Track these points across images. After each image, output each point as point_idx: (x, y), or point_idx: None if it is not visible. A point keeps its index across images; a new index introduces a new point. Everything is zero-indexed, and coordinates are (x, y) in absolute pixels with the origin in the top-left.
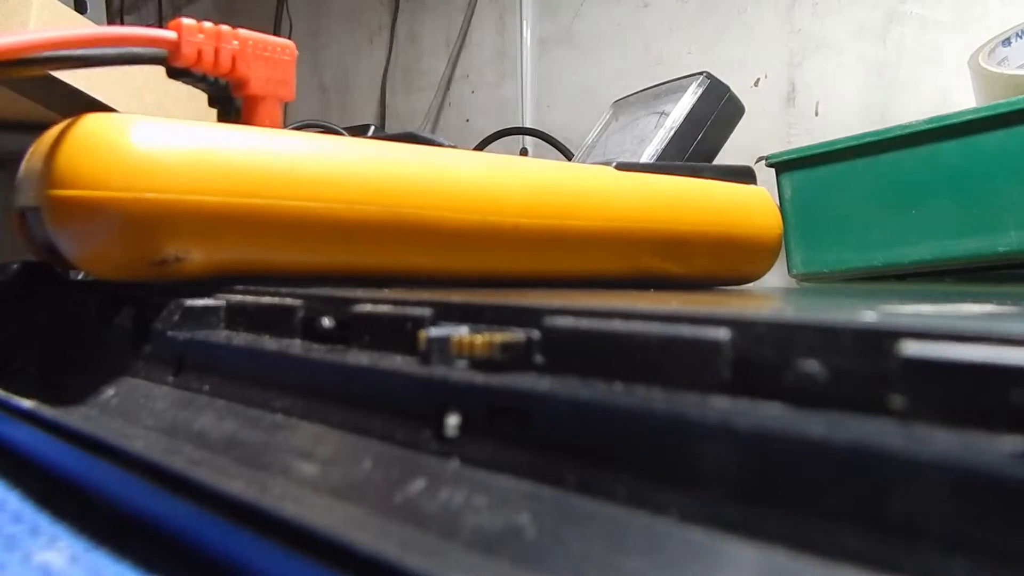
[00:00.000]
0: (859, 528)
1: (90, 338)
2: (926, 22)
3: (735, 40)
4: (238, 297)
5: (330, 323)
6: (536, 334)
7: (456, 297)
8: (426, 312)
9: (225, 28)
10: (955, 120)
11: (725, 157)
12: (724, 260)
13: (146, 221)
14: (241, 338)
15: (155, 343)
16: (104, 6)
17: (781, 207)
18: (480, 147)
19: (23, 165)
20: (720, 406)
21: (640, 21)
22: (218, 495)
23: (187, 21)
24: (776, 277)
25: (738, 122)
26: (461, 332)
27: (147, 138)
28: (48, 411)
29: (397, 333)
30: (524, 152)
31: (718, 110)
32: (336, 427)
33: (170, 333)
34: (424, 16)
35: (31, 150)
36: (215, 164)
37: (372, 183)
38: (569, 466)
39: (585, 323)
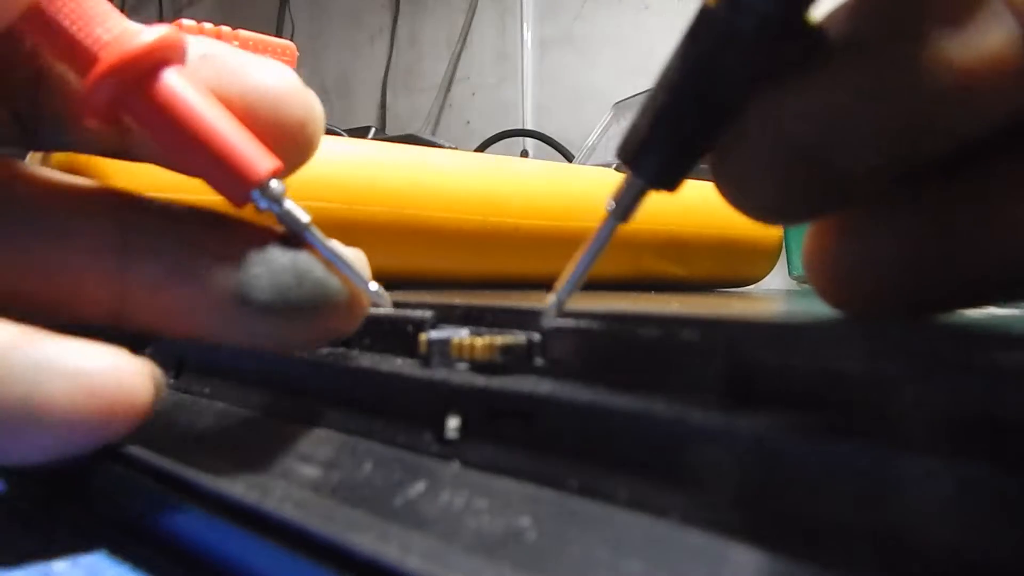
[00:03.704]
0: (860, 531)
1: (90, 340)
2: None
3: None
4: None
5: None
6: (537, 337)
7: (457, 299)
8: (427, 315)
9: (225, 29)
10: None
11: None
12: (725, 262)
13: None
14: None
15: (156, 345)
16: None
17: None
18: (481, 149)
19: None
20: (721, 409)
21: (641, 23)
22: (219, 497)
23: (187, 22)
24: (777, 279)
25: None
26: (462, 335)
27: None
28: None
29: (398, 336)
30: (525, 154)
31: None
32: (337, 429)
33: None
34: (425, 18)
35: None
36: None
37: (372, 185)
38: (570, 469)
39: (586, 326)
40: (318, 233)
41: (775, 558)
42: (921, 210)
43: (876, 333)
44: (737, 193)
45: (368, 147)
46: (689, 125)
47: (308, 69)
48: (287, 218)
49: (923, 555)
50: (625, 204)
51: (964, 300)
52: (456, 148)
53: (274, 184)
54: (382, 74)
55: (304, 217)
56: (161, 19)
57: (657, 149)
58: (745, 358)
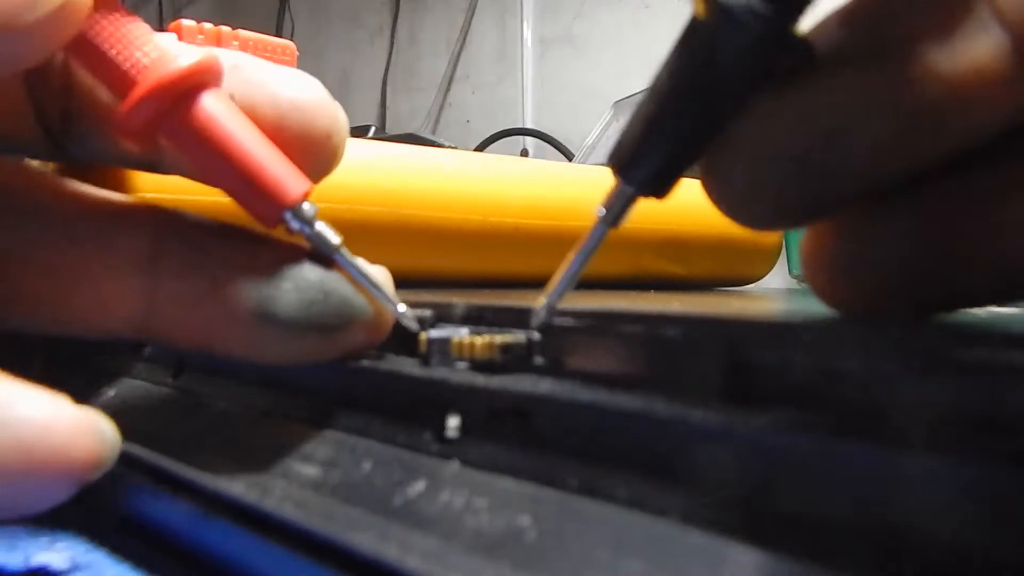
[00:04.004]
0: (860, 530)
1: (90, 339)
2: None
3: None
4: None
5: None
6: (536, 335)
7: (457, 299)
8: (427, 314)
9: (225, 29)
10: None
11: None
12: (725, 261)
13: None
14: None
15: (155, 345)
16: None
17: None
18: (480, 148)
19: None
20: (721, 408)
21: (641, 21)
22: (219, 497)
23: (187, 23)
24: (777, 278)
25: None
26: (462, 334)
27: None
28: None
29: (398, 334)
30: (525, 153)
31: None
32: (336, 429)
33: None
34: (424, 17)
35: None
36: None
37: (372, 184)
38: (570, 468)
39: (585, 325)
40: (348, 255)
41: (775, 558)
42: (919, 211)
43: (876, 333)
44: (727, 201)
45: (368, 147)
46: (678, 134)
47: (308, 68)
48: (318, 240)
49: (923, 554)
50: (615, 211)
51: (962, 301)
52: (456, 147)
53: (306, 206)
54: (382, 73)
55: (335, 239)
56: (161, 18)
57: (647, 158)
58: (745, 357)
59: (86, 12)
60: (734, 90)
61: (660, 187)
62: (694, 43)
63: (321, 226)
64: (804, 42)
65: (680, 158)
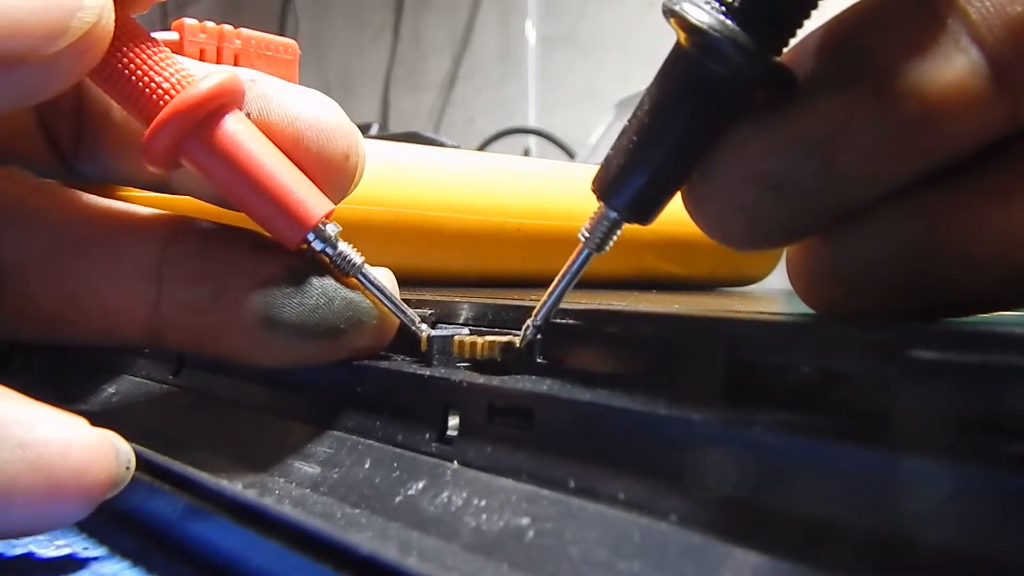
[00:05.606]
0: (860, 531)
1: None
2: None
3: None
4: None
5: None
6: (537, 335)
7: (458, 298)
8: (427, 313)
9: (227, 28)
10: None
11: None
12: (726, 262)
13: None
14: None
15: (162, 349)
16: None
17: None
18: (483, 147)
19: None
20: (721, 408)
21: (645, 20)
22: (218, 494)
23: (189, 21)
24: (778, 279)
25: None
26: (463, 333)
27: None
28: None
29: (399, 333)
30: (527, 152)
31: None
32: (336, 427)
33: None
34: (428, 15)
35: None
36: None
37: (374, 183)
38: (569, 468)
39: (587, 325)
40: (371, 273)
41: (774, 558)
42: (901, 216)
43: (876, 333)
44: (710, 225)
45: (369, 145)
46: (660, 162)
47: (311, 66)
48: (341, 260)
49: (922, 555)
50: (599, 236)
51: (957, 305)
52: (458, 146)
53: (329, 227)
54: (385, 71)
55: (357, 259)
56: (164, 16)
57: (630, 184)
58: (745, 357)
59: (108, 41)
60: (716, 118)
61: (644, 213)
62: (677, 71)
63: (344, 246)
64: (785, 71)
65: (663, 184)
